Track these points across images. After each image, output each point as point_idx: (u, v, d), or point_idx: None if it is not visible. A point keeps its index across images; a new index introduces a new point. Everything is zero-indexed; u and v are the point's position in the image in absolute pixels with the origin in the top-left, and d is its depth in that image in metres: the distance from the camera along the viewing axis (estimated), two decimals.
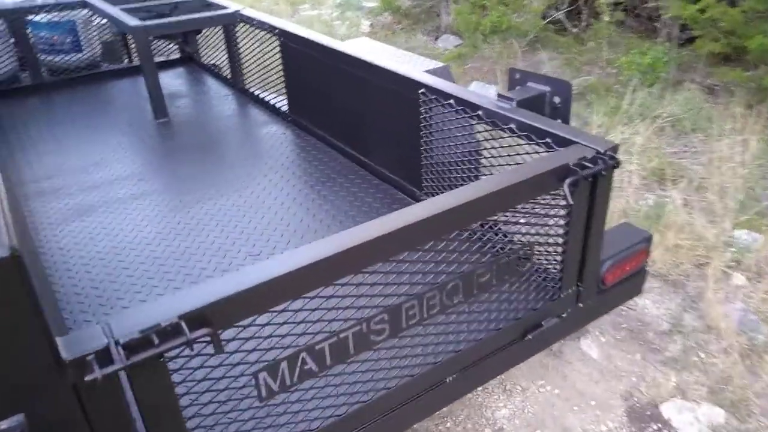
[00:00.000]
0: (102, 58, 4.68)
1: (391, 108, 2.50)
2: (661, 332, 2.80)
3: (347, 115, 2.89)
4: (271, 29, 3.29)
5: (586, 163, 1.64)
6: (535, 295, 1.88)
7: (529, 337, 1.85)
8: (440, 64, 2.76)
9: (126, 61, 4.86)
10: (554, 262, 1.85)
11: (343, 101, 2.87)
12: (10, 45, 4.20)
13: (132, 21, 3.38)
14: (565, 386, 2.51)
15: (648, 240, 2.07)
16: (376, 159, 2.81)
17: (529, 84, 2.15)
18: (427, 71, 2.59)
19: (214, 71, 4.39)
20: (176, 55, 4.79)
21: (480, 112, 2.04)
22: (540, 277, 1.87)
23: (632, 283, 2.12)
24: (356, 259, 1.34)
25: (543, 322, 1.88)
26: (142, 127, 3.52)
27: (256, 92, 3.78)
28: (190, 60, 4.71)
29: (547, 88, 2.10)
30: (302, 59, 3.08)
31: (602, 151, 1.68)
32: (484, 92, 5.36)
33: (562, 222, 1.75)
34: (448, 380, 1.72)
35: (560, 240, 1.78)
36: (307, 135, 3.29)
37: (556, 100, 2.08)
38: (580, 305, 1.96)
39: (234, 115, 3.71)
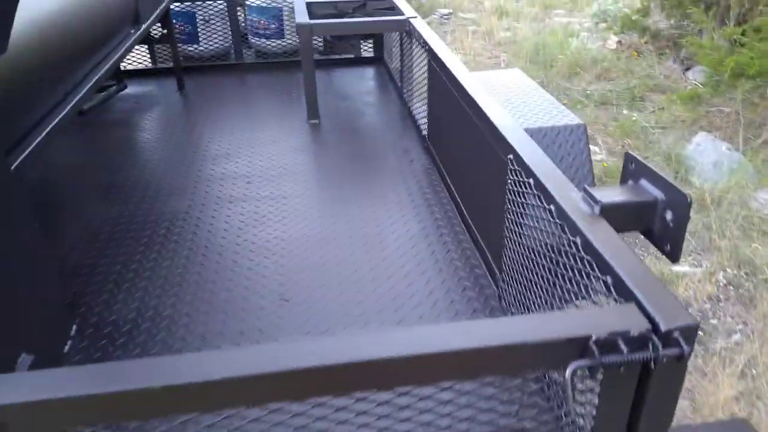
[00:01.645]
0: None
1: (487, 164, 2.05)
2: None
3: (462, 159, 2.47)
4: (423, 45, 2.99)
5: (621, 343, 1.06)
6: None
7: None
8: (577, 121, 2.18)
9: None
10: None
11: (460, 142, 2.46)
12: (227, 24, 4.59)
13: (301, 17, 3.36)
14: None
15: None
16: (474, 219, 2.37)
17: (642, 182, 1.53)
18: (554, 128, 2.06)
19: (393, 78, 4.24)
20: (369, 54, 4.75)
21: (552, 208, 1.51)
22: None
23: None
24: None
25: None
26: (290, 125, 3.52)
27: (414, 109, 3.53)
28: (379, 61, 4.63)
29: (660, 196, 1.46)
30: (441, 86, 2.73)
31: (664, 328, 1.08)
32: (710, 150, 4.34)
33: None
34: None
35: None
36: (433, 169, 2.94)
37: (668, 216, 1.44)
38: None
39: (386, 128, 3.51)
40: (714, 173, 4.18)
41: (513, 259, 1.88)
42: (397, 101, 3.87)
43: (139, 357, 1.89)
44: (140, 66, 4.51)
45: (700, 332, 3.01)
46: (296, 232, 2.48)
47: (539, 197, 1.60)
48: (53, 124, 2.07)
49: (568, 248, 1.44)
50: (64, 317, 1.95)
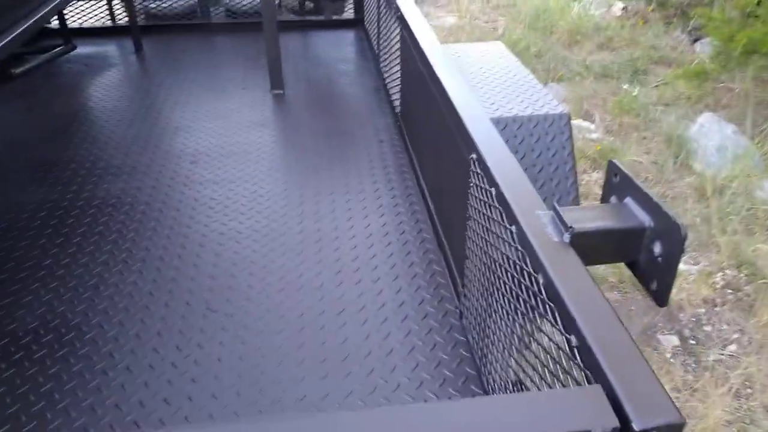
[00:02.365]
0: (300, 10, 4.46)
1: (451, 159, 1.73)
2: None
3: (430, 147, 2.15)
4: (395, 9, 2.63)
5: None
6: None
7: None
8: (559, 110, 1.85)
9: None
10: None
11: (427, 127, 2.14)
12: None
13: None
14: None
15: None
16: (441, 218, 2.06)
17: (627, 201, 1.22)
18: (532, 117, 1.74)
19: (372, 44, 3.87)
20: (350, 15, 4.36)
21: (513, 230, 1.21)
22: None
23: None
24: None
25: None
26: (252, 95, 3.18)
27: (389, 82, 3.18)
28: (359, 24, 4.24)
29: (648, 222, 1.16)
30: (411, 59, 2.38)
31: (638, 428, 0.79)
32: (715, 132, 4.00)
33: None
34: None
35: None
36: (404, 153, 2.62)
37: (657, 249, 1.14)
38: None
39: (359, 101, 3.17)
40: (717, 158, 3.86)
41: (474, 277, 1.59)
42: (374, 71, 3.52)
43: (34, 376, 1.61)
44: (94, 24, 4.11)
45: (692, 341, 2.74)
46: (237, 224, 2.18)
47: (500, 213, 1.29)
48: None
49: (529, 285, 1.14)
50: None
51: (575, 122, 4.76)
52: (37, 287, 1.91)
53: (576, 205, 1.81)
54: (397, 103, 2.86)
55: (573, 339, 0.97)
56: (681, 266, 3.07)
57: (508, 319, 1.30)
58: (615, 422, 0.80)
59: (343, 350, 1.67)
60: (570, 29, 6.66)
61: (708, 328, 2.69)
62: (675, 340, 2.73)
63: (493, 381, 1.46)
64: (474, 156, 1.48)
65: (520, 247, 1.18)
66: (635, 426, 0.80)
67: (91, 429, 1.47)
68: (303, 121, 2.93)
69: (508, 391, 1.34)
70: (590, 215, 1.22)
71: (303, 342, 1.69)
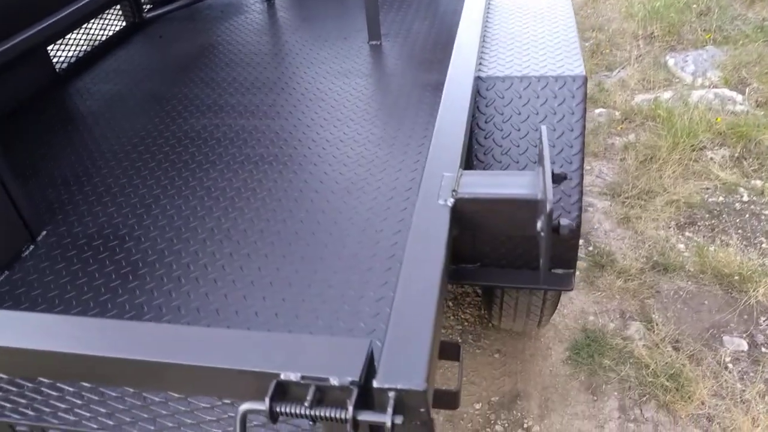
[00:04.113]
0: None
1: None
2: None
3: None
4: None
5: (310, 392, 0.82)
6: None
7: None
8: (575, 72, 1.71)
9: None
10: None
11: None
12: None
13: None
14: None
15: None
16: None
17: (538, 170, 1.14)
18: (542, 78, 1.67)
19: None
20: None
21: (421, 185, 1.21)
22: None
23: None
24: None
25: None
26: (349, 47, 3.26)
27: None
28: None
29: (540, 194, 1.08)
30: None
31: (376, 384, 0.81)
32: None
33: None
34: None
35: None
36: None
37: (539, 224, 1.07)
38: None
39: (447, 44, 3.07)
40: None
41: None
42: None
43: (96, 274, 1.94)
44: None
45: (765, 348, 2.40)
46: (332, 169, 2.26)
47: (423, 171, 1.29)
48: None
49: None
50: (20, 221, 2.06)
51: (719, 90, 4.18)
52: (120, 201, 2.23)
53: (579, 177, 1.69)
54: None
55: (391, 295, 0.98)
56: None
57: None
58: (355, 376, 0.82)
59: None
60: None
61: None
62: (743, 345, 2.42)
63: None
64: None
65: (412, 204, 1.19)
66: (375, 383, 0.82)
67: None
68: (397, 72, 2.94)
69: None
70: (496, 182, 1.17)
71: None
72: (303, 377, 0.83)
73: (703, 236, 3.01)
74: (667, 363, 2.39)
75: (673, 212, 3.15)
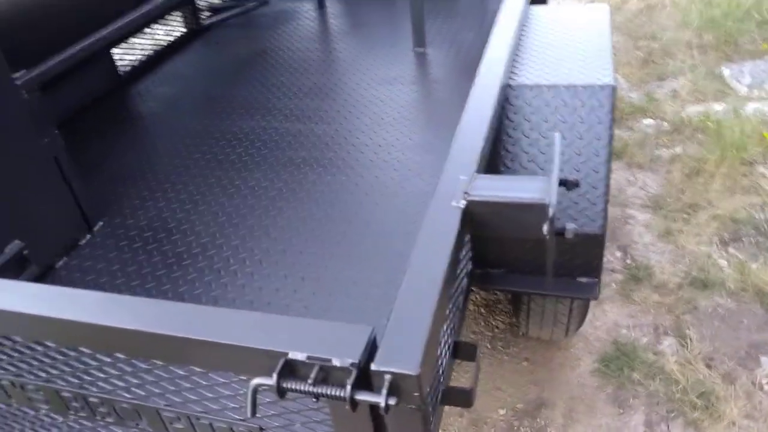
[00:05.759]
0: None
1: None
2: None
3: None
4: None
5: (314, 371, 0.90)
6: None
7: None
8: (605, 82, 1.73)
9: None
10: None
11: None
12: None
13: None
14: None
15: None
16: None
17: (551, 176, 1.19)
18: (570, 87, 1.71)
19: None
20: None
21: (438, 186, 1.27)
22: None
23: None
24: None
25: None
26: (395, 54, 3.34)
27: None
28: None
29: (548, 199, 1.13)
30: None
31: (374, 367, 0.88)
32: None
33: None
34: None
35: None
36: None
37: (545, 228, 1.11)
38: None
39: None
40: None
41: None
42: None
43: (144, 263, 2.09)
44: None
45: None
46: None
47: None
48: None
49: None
50: (80, 213, 2.23)
51: None
52: (173, 196, 2.38)
53: (605, 186, 1.71)
54: None
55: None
56: None
57: None
58: (356, 358, 0.90)
59: None
60: None
61: None
62: None
63: None
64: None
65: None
66: (373, 365, 0.89)
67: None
68: (440, 80, 3.01)
69: None
70: (508, 185, 1.22)
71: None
72: (309, 357, 0.91)
73: (747, 253, 2.93)
74: (698, 380, 2.35)
75: (717, 227, 3.08)
